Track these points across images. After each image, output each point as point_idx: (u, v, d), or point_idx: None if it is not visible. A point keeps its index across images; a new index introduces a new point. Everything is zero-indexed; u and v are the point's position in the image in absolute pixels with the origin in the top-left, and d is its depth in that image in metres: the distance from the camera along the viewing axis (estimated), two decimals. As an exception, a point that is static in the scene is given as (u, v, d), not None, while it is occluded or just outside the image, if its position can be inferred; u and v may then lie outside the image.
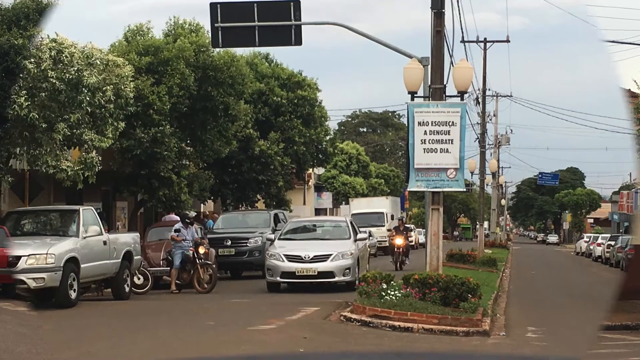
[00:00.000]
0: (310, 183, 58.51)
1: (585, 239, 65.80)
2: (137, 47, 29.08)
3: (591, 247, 58.24)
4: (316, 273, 21.96)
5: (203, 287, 22.35)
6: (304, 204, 56.15)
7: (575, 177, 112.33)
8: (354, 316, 15.61)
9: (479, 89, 47.50)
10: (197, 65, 29.48)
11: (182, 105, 29.07)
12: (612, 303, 20.49)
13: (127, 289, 20.84)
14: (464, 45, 34.73)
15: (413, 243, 49.34)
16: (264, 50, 39.72)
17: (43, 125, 19.43)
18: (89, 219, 19.70)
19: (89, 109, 20.10)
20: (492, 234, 64.00)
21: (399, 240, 33.06)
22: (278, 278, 22.24)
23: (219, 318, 16.34)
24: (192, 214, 25.30)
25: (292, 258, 22.16)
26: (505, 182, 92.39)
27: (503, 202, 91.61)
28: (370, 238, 35.37)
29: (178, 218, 25.18)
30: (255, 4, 20.20)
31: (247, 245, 27.81)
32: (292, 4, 20.07)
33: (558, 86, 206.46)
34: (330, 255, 22.16)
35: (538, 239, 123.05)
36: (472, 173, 46.74)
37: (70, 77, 19.36)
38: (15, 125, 19.47)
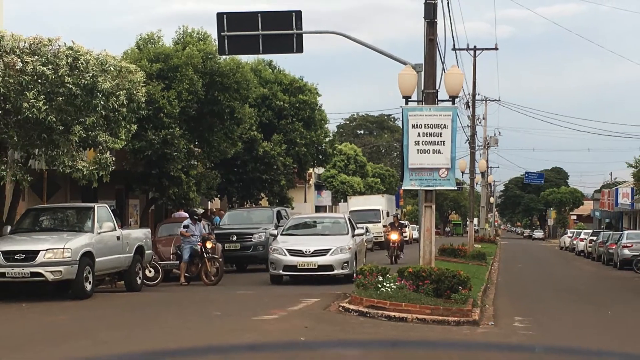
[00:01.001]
0: (310, 182, 58.50)
1: (569, 234, 65.82)
2: (149, 54, 29.10)
3: (574, 242, 58.26)
4: (316, 266, 21.96)
5: (210, 280, 22.35)
6: (305, 201, 56.13)
7: (560, 176, 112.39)
8: (351, 307, 15.59)
9: (469, 94, 47.53)
10: (204, 71, 29.49)
11: (191, 109, 29.09)
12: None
13: (139, 282, 20.84)
14: (455, 53, 34.79)
15: (407, 238, 49.35)
16: (267, 57, 39.75)
17: (60, 128, 19.42)
18: (103, 215, 19.71)
19: (103, 113, 20.08)
20: (482, 229, 63.93)
21: (394, 236, 33.04)
22: (281, 271, 22.23)
23: (225, 309, 16.33)
24: (200, 210, 25.25)
25: (293, 252, 22.15)
26: (494, 181, 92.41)
27: (492, 199, 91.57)
28: (367, 233, 35.37)
29: (187, 215, 25.17)
30: (259, 14, 20.21)
31: (251, 240, 27.79)
32: (294, 14, 20.07)
33: (543, 91, 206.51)
34: (330, 249, 22.15)
35: (524, 235, 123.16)
36: (462, 172, 46.75)
37: (86, 82, 19.34)
38: (34, 127, 19.46)
